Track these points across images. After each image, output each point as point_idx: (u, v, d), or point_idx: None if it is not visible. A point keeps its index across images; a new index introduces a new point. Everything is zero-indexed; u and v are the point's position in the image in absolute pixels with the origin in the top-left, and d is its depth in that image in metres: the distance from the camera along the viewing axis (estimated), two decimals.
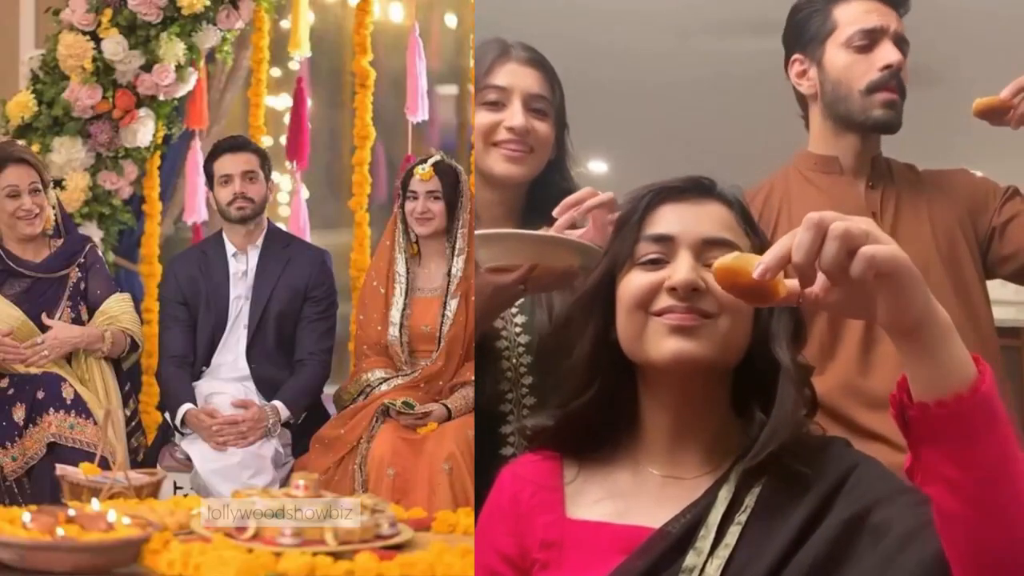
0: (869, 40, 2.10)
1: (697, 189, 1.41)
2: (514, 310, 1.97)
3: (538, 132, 1.97)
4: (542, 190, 2.00)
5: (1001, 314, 2.18)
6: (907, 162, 2.22)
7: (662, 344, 1.32)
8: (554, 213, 1.78)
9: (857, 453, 1.35)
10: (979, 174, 2.18)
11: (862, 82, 2.09)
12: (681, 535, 1.30)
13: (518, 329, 1.97)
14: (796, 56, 2.18)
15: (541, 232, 1.76)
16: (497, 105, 1.96)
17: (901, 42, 2.11)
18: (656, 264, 1.36)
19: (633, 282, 1.37)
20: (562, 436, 1.45)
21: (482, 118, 1.95)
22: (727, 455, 1.37)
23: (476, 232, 1.79)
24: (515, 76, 1.97)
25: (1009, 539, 1.03)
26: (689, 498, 1.34)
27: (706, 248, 1.35)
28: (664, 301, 1.33)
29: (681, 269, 1.33)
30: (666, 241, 1.37)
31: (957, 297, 2.06)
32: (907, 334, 1.04)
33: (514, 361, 1.94)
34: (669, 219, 1.39)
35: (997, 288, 2.18)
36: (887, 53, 2.08)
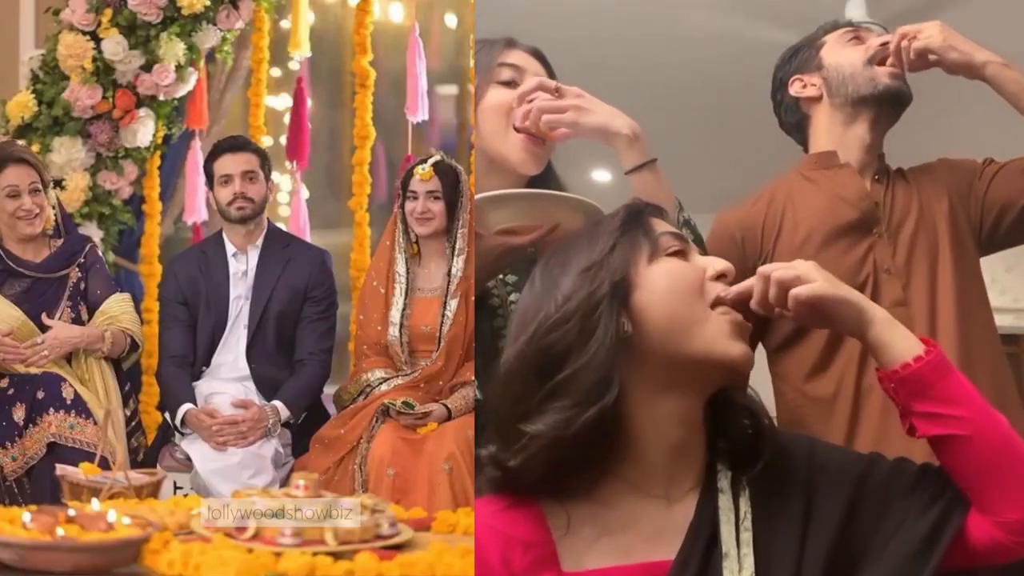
0: (858, 35, 2.25)
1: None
2: (513, 307, 1.95)
3: None
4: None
5: (999, 321, 2.21)
6: (896, 167, 2.29)
7: (732, 345, 1.34)
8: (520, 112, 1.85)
9: (800, 436, 1.48)
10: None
11: (863, 57, 2.20)
12: (702, 559, 1.30)
13: None
14: (795, 77, 2.29)
15: (556, 192, 1.76)
16: (511, 84, 1.95)
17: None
18: (681, 256, 1.39)
19: (677, 268, 1.37)
20: (583, 448, 1.32)
21: (496, 95, 1.94)
22: (703, 466, 1.38)
23: (481, 196, 1.74)
24: (526, 60, 1.98)
25: (995, 444, 1.32)
26: (684, 519, 1.33)
27: None
28: (715, 290, 1.37)
29: (714, 260, 1.40)
30: (682, 240, 1.41)
31: (953, 284, 2.11)
32: (855, 335, 1.38)
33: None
34: (669, 226, 1.44)
35: (996, 296, 2.23)
36: (877, 40, 2.21)
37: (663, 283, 1.36)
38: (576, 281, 1.36)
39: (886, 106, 2.19)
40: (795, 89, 2.28)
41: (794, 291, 1.34)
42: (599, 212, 1.76)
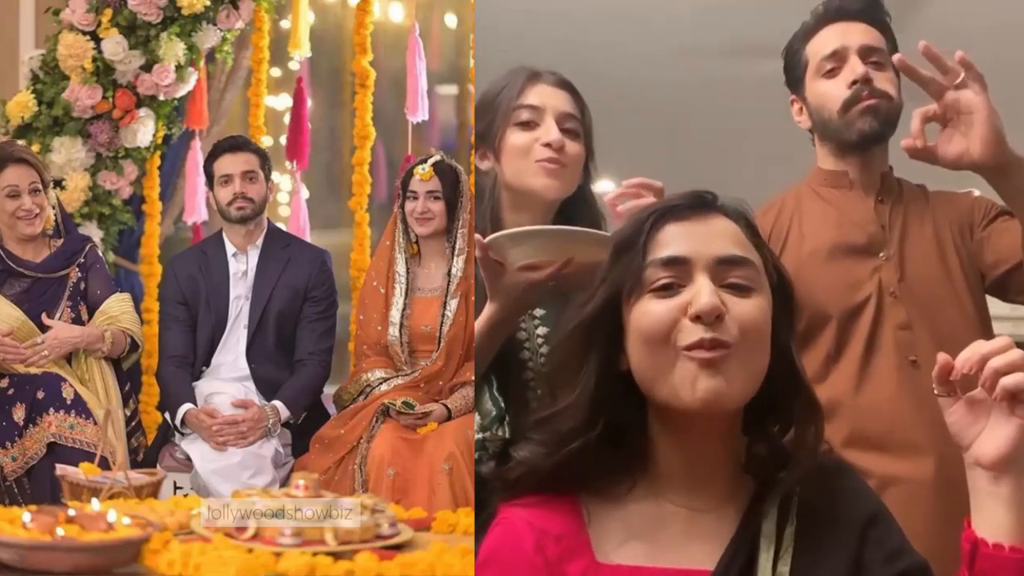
0: (835, 63, 2.18)
1: (701, 205, 1.34)
2: (540, 340, 1.98)
3: (570, 150, 1.98)
4: (568, 217, 2.00)
5: (997, 329, 2.21)
6: (919, 183, 2.27)
7: (695, 387, 1.24)
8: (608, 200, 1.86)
9: (870, 495, 1.37)
10: (977, 193, 2.22)
11: (837, 103, 2.16)
12: None
13: (543, 359, 1.98)
14: (792, 97, 2.29)
15: (572, 227, 1.79)
16: (530, 124, 1.98)
17: (870, 52, 2.17)
18: (669, 290, 1.28)
19: (650, 311, 1.28)
20: (564, 478, 1.32)
21: (516, 138, 1.97)
22: (743, 481, 1.33)
23: (501, 233, 1.78)
24: (546, 96, 1.99)
25: None
26: (716, 531, 1.30)
27: (721, 268, 1.29)
28: (690, 333, 1.25)
29: (703, 294, 1.26)
30: (679, 264, 1.29)
31: (958, 308, 2.11)
32: (1007, 470, 1.17)
33: (540, 392, 1.95)
34: (678, 240, 1.31)
35: (995, 304, 2.22)
36: (852, 70, 2.16)
37: (640, 331, 1.29)
38: (582, 318, 1.34)
39: (869, 145, 2.18)
40: (793, 112, 2.29)
41: (1007, 380, 1.18)
42: None
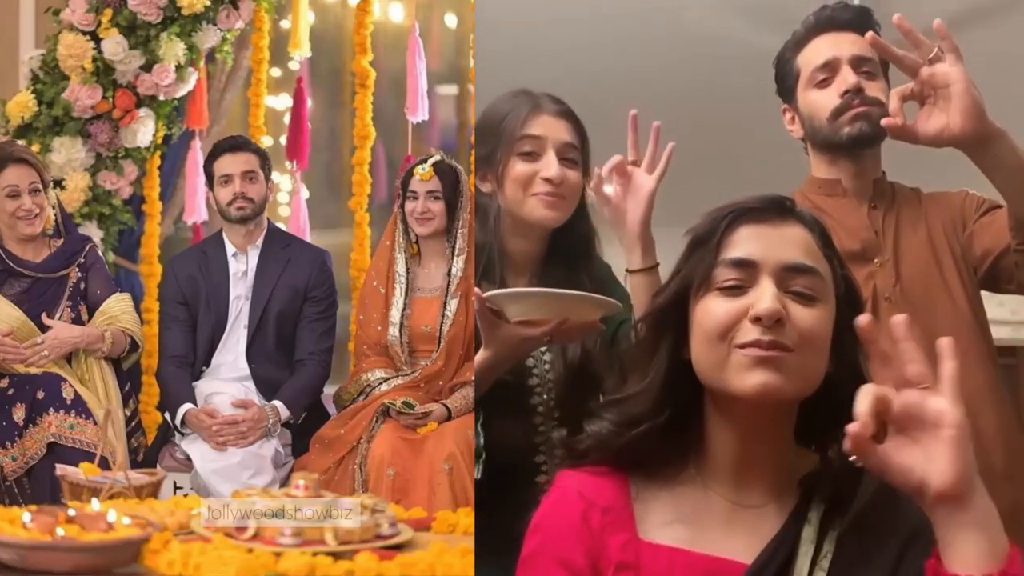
0: (826, 73, 2.20)
1: (777, 210, 1.39)
2: (543, 347, 2.04)
3: (570, 180, 2.06)
4: (566, 237, 2.10)
5: (996, 333, 2.22)
6: (913, 186, 2.27)
7: (746, 377, 1.29)
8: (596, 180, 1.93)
9: (917, 511, 1.32)
10: (978, 193, 2.22)
11: (828, 111, 2.17)
12: None
13: (547, 366, 2.04)
14: (784, 106, 2.30)
15: (567, 291, 1.86)
16: (532, 155, 2.05)
17: (861, 62, 2.17)
18: (735, 290, 1.33)
19: (713, 309, 1.33)
20: (626, 456, 1.38)
21: (518, 168, 2.05)
22: (789, 483, 1.36)
23: (500, 292, 1.86)
24: (548, 127, 2.07)
25: None
26: (756, 527, 1.33)
27: (787, 275, 1.33)
28: (748, 333, 1.30)
29: (765, 298, 1.30)
30: (747, 267, 1.33)
31: (953, 311, 2.11)
32: (958, 500, 1.11)
33: (544, 396, 1.99)
34: (749, 243, 1.35)
35: (993, 308, 2.22)
36: (844, 79, 2.17)
37: (701, 326, 1.34)
38: (653, 308, 1.41)
39: (859, 148, 2.18)
40: (786, 121, 2.30)
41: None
42: (615, 305, 1.87)
